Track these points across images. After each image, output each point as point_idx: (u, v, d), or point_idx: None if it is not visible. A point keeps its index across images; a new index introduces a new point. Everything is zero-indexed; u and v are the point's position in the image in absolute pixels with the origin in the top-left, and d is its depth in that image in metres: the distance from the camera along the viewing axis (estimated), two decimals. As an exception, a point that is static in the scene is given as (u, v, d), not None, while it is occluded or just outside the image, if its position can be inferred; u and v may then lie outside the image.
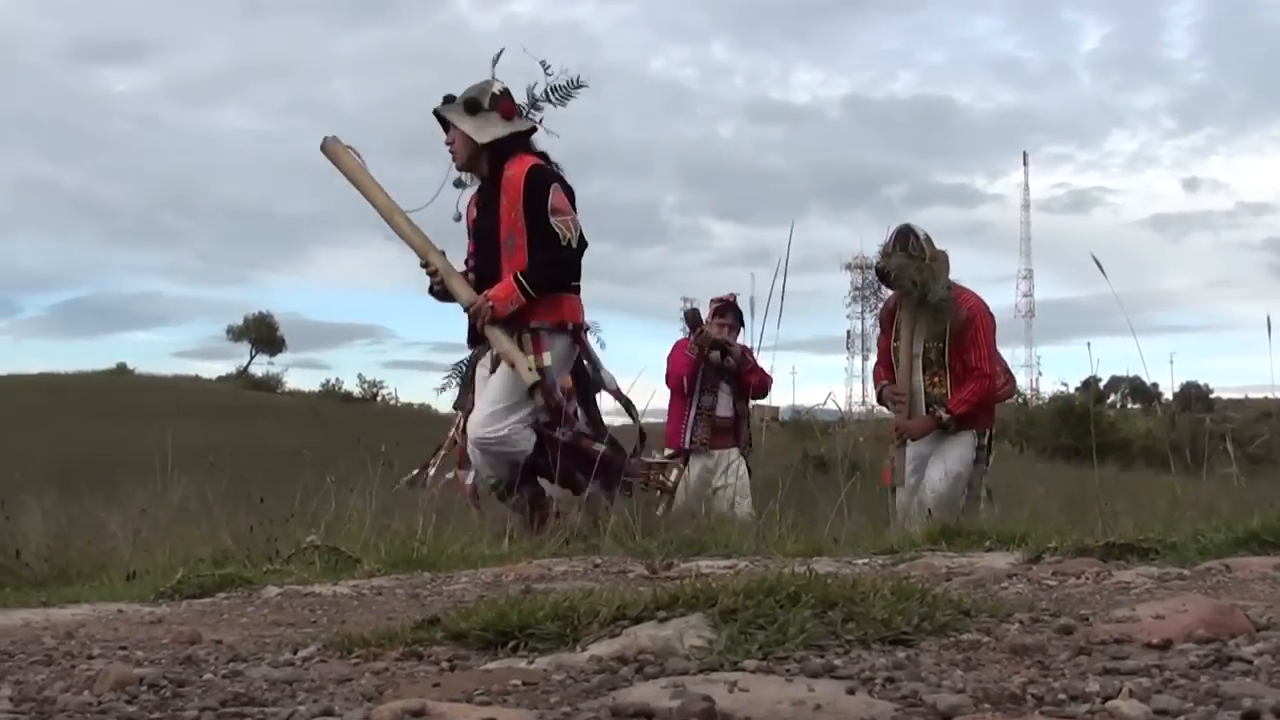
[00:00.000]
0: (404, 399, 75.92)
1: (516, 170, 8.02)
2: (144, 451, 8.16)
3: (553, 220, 7.88)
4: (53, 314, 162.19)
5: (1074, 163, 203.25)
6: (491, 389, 7.87)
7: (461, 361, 8.51)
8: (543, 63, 9.14)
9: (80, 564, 6.30)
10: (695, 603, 2.89)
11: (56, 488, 8.98)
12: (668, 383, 12.15)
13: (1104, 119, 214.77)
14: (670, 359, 12.13)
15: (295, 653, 2.97)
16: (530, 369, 7.69)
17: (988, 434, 9.76)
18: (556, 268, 7.97)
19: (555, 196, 7.96)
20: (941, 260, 9.62)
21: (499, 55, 8.42)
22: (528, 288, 7.79)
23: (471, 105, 8.18)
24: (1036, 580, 4.22)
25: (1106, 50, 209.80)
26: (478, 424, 7.77)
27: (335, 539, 5.88)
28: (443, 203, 8.32)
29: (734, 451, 11.79)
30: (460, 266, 8.25)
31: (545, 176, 8.02)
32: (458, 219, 8.35)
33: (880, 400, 10.24)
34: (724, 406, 11.81)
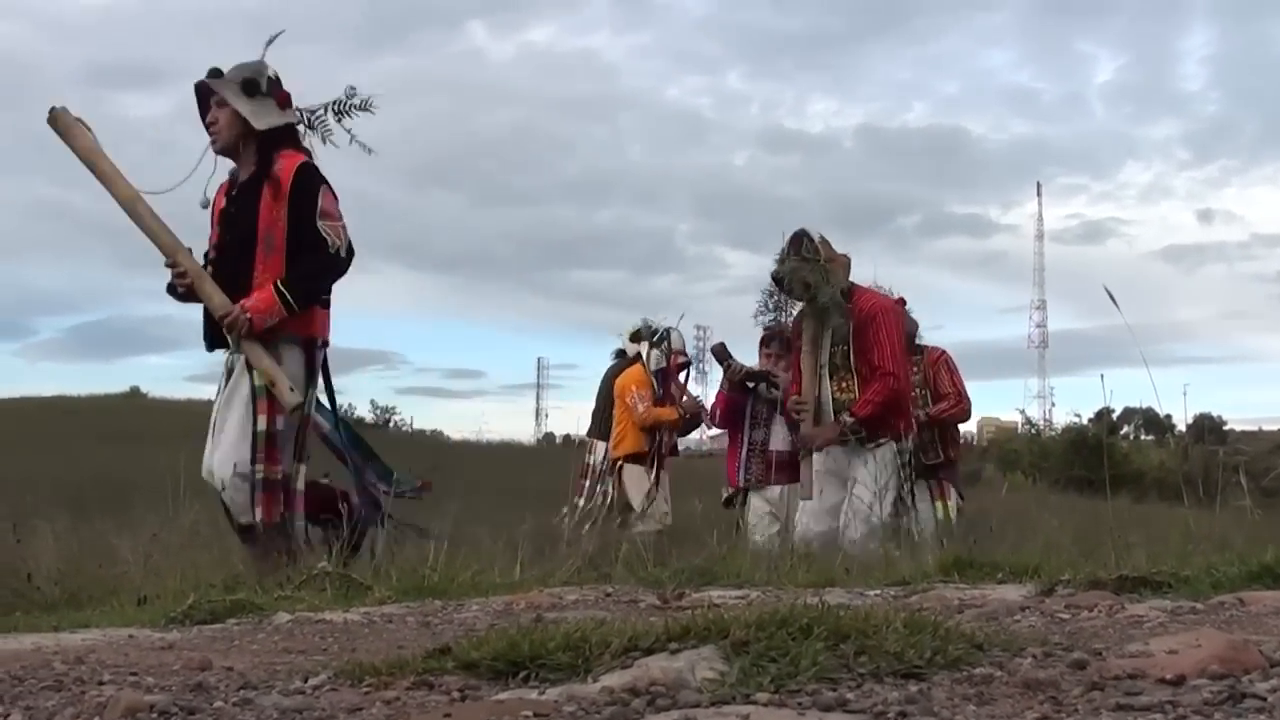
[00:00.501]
0: (417, 425, 75.97)
1: (287, 164, 7.34)
2: (156, 475, 8.17)
3: (321, 224, 7.21)
4: (66, 337, 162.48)
5: (1088, 194, 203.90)
6: (236, 418, 7.19)
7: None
8: (350, 87, 8.17)
9: (91, 588, 6.30)
10: (707, 634, 2.88)
11: (68, 511, 8.99)
12: (712, 421, 11.92)
13: (1118, 150, 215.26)
14: (716, 396, 11.68)
15: (306, 681, 2.97)
16: (291, 389, 7.02)
17: (908, 442, 9.46)
18: (321, 277, 7.35)
19: (325, 199, 7.31)
20: (840, 263, 9.29)
21: (274, 38, 7.66)
22: (290, 299, 7.11)
23: (249, 86, 7.45)
24: (1049, 613, 4.20)
25: (1120, 82, 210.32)
26: (225, 460, 7.08)
27: (346, 566, 5.88)
28: (183, 194, 7.45)
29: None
30: (199, 258, 7.48)
31: (316, 176, 7.38)
32: (205, 205, 7.54)
33: (783, 412, 10.17)
34: (778, 440, 11.02)
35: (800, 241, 9.20)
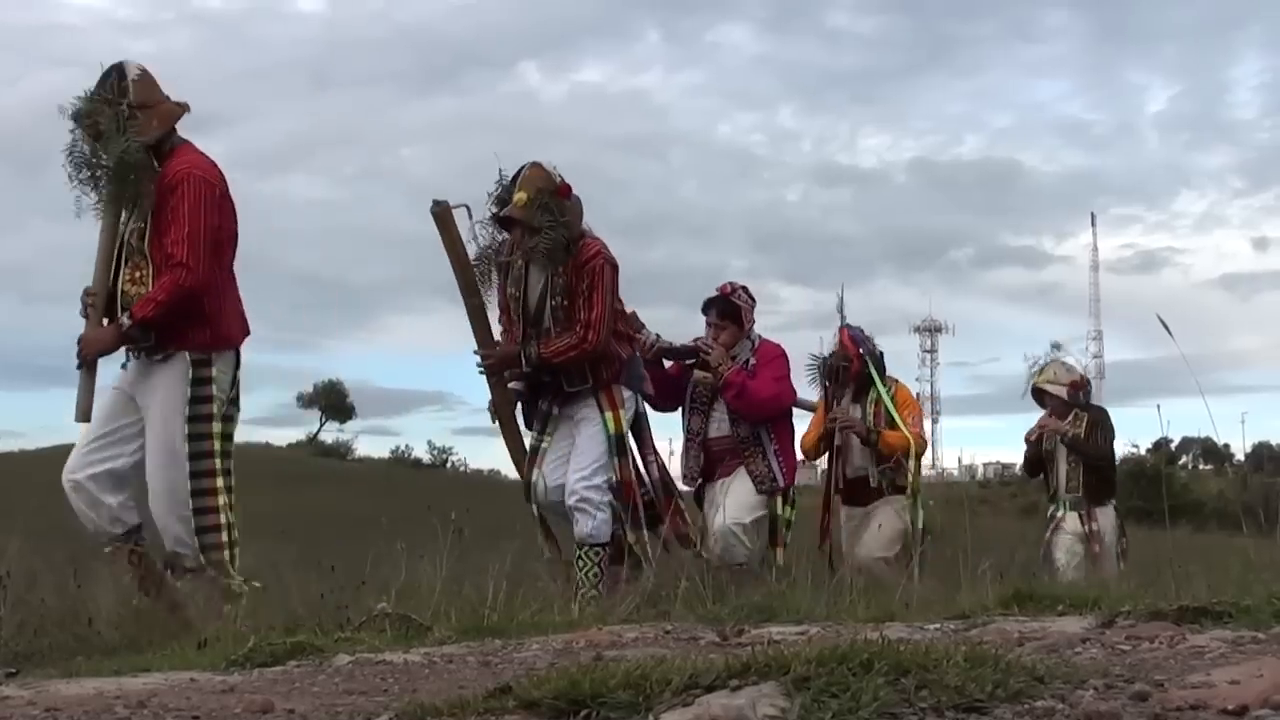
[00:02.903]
0: (473, 465, 76.12)
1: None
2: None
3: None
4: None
5: (1142, 224, 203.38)
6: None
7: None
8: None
9: (151, 632, 6.32)
10: (768, 671, 2.88)
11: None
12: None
13: (1172, 180, 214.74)
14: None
15: (368, 722, 2.98)
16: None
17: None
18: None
19: None
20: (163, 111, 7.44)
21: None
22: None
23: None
24: (1110, 645, 4.18)
25: (1173, 111, 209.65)
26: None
27: (406, 606, 5.89)
28: None
29: (737, 476, 9.69)
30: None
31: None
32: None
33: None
34: (718, 427, 9.82)
35: (110, 77, 7.40)
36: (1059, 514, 12.09)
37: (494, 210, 8.51)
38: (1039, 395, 12.26)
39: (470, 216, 8.50)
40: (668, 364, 10.00)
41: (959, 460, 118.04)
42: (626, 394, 8.78)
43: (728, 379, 9.60)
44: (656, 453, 9.21)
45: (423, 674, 4.26)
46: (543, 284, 8.54)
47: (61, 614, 6.59)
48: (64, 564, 7.49)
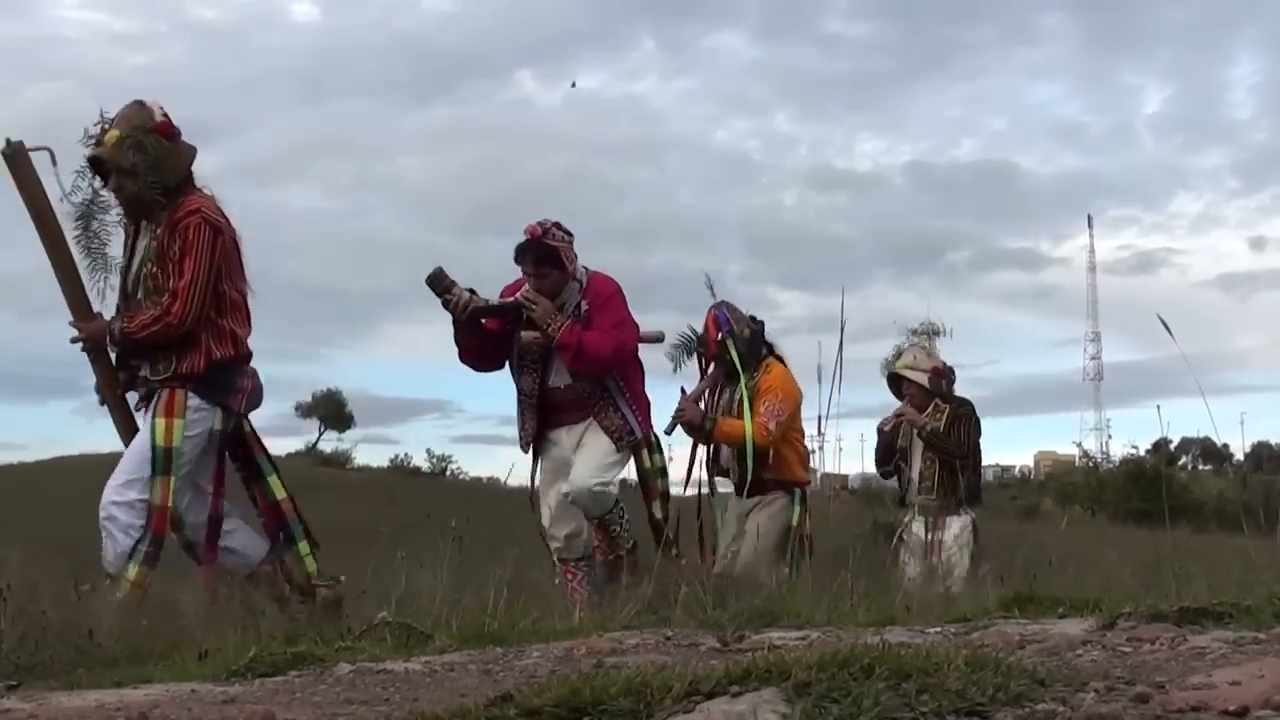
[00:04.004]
0: (473, 473, 76.01)
1: None
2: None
3: None
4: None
5: (1139, 225, 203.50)
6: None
7: None
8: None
9: (153, 644, 6.32)
10: (768, 676, 2.88)
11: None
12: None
13: (1168, 181, 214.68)
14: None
15: (369, 731, 2.98)
16: None
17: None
18: None
19: None
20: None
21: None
22: None
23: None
24: (1111, 647, 4.18)
25: (1168, 112, 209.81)
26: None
27: (407, 615, 5.89)
28: None
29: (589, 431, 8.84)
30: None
31: None
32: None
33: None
34: (558, 378, 8.84)
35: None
36: (905, 518, 11.10)
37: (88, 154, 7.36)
38: (896, 381, 11.36)
39: (54, 162, 7.39)
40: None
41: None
42: (197, 403, 7.36)
43: (560, 340, 8.54)
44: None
45: (424, 682, 4.26)
46: (144, 246, 7.43)
47: (62, 626, 6.58)
48: (65, 576, 7.49)
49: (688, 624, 5.84)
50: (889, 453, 11.24)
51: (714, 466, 10.32)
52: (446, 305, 8.58)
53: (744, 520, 10.02)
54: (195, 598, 6.88)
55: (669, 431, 9.83)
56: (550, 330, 8.53)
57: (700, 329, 10.25)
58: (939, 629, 5.25)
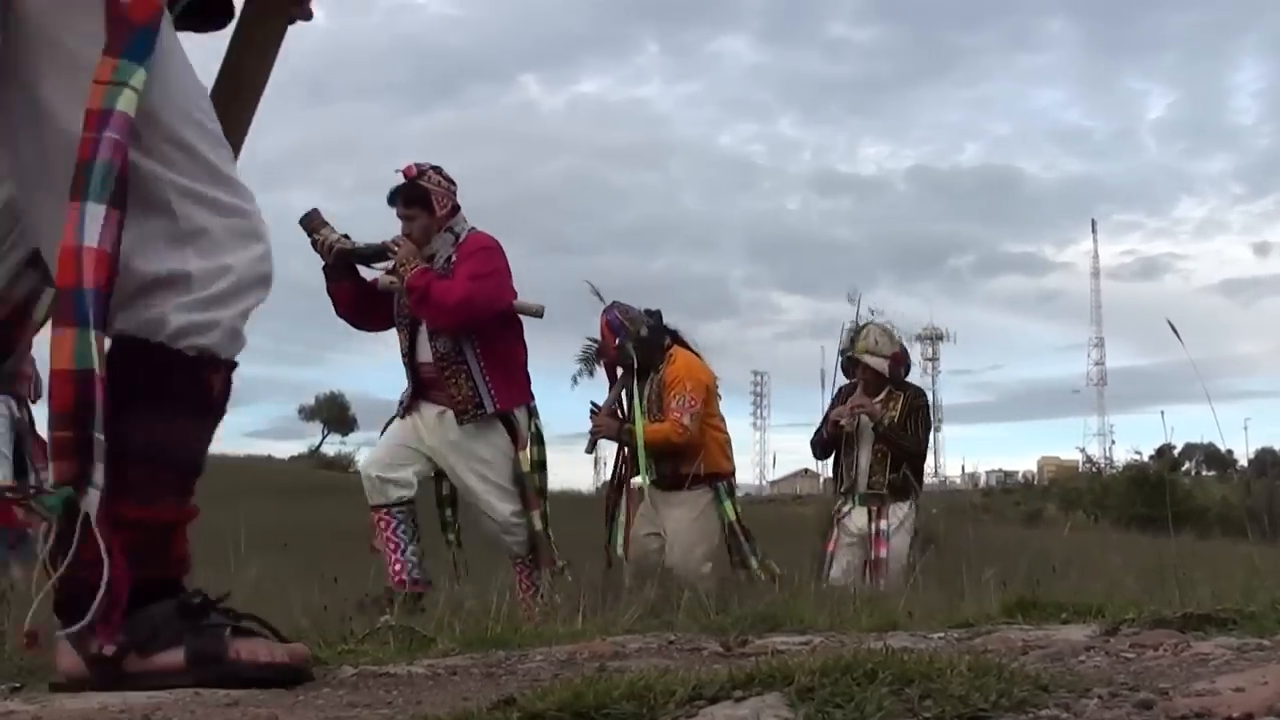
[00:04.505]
0: (474, 476, 75.95)
1: None
2: (216, 532, 8.19)
3: None
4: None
5: (1143, 230, 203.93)
6: None
7: None
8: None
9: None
10: (772, 681, 2.89)
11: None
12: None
13: (1172, 186, 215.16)
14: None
15: (372, 735, 2.98)
16: None
17: None
18: None
19: None
20: None
21: None
22: None
23: None
24: (1114, 653, 4.18)
25: (1172, 118, 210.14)
26: None
27: (409, 618, 5.89)
28: None
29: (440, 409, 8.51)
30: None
31: None
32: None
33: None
34: (423, 351, 8.53)
35: None
36: (845, 509, 10.58)
37: None
38: (851, 366, 10.77)
39: None
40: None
41: (962, 468, 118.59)
42: None
43: (409, 282, 8.21)
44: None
45: (427, 686, 4.25)
46: None
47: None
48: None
49: (690, 628, 5.85)
50: (834, 442, 10.79)
51: (631, 467, 9.95)
52: (315, 247, 8.44)
53: (664, 512, 9.77)
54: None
55: (589, 450, 9.94)
56: (402, 271, 8.26)
57: (597, 337, 10.02)
58: (942, 634, 5.25)
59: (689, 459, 9.49)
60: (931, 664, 2.97)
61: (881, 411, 10.40)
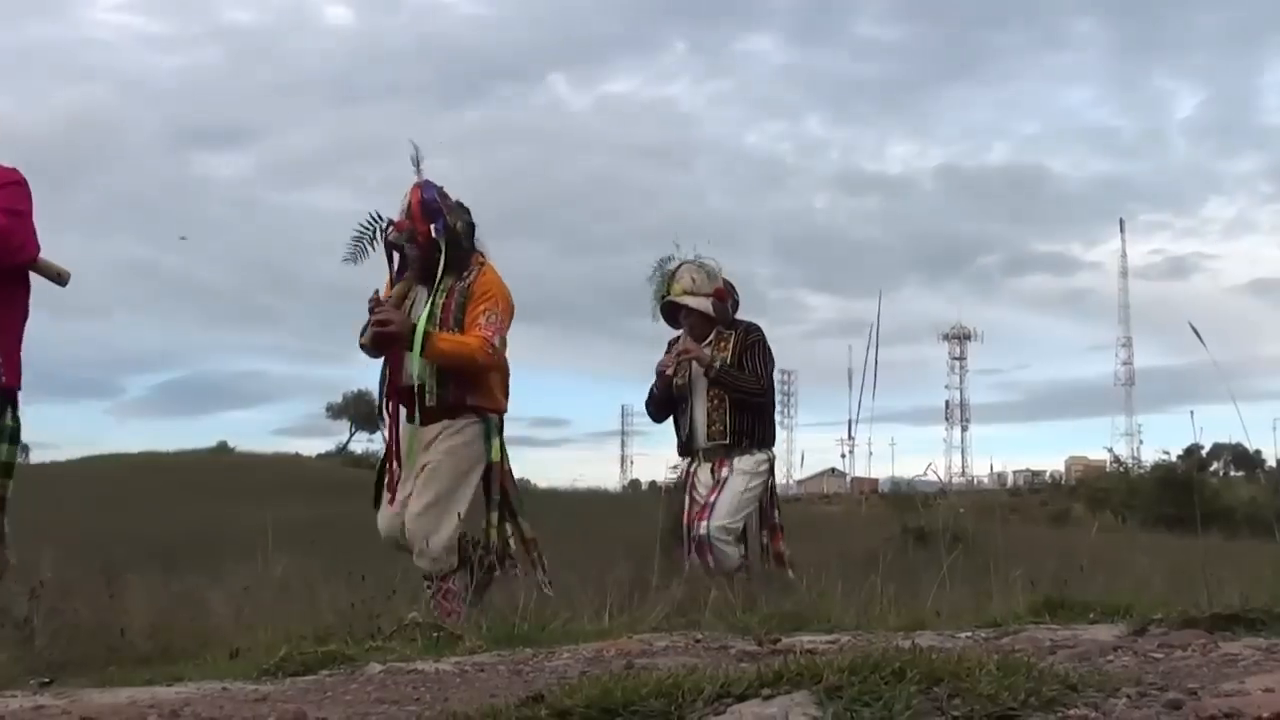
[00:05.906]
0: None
1: None
2: (245, 529, 8.22)
3: None
4: (154, 394, 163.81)
5: (1171, 229, 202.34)
6: None
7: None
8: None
9: (184, 642, 6.34)
10: (800, 679, 2.88)
11: (159, 566, 9.06)
12: None
13: (1201, 185, 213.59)
14: None
15: (400, 731, 2.98)
16: None
17: None
18: None
19: None
20: None
21: None
22: None
23: None
24: (1143, 653, 4.16)
25: (1201, 117, 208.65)
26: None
27: (437, 615, 5.89)
28: None
29: None
30: None
31: None
32: None
33: None
34: None
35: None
36: (693, 468, 9.28)
37: None
38: (672, 310, 9.38)
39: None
40: None
41: (990, 468, 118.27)
42: None
43: None
44: None
45: (454, 683, 4.26)
46: None
47: (95, 624, 6.61)
48: (97, 573, 7.52)
49: (717, 626, 5.84)
50: (667, 400, 9.42)
51: (393, 390, 8.02)
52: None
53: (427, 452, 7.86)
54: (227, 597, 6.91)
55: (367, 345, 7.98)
56: None
57: (398, 214, 8.01)
58: (969, 633, 5.24)
59: (478, 388, 7.89)
60: (960, 663, 2.97)
61: (711, 355, 9.17)
